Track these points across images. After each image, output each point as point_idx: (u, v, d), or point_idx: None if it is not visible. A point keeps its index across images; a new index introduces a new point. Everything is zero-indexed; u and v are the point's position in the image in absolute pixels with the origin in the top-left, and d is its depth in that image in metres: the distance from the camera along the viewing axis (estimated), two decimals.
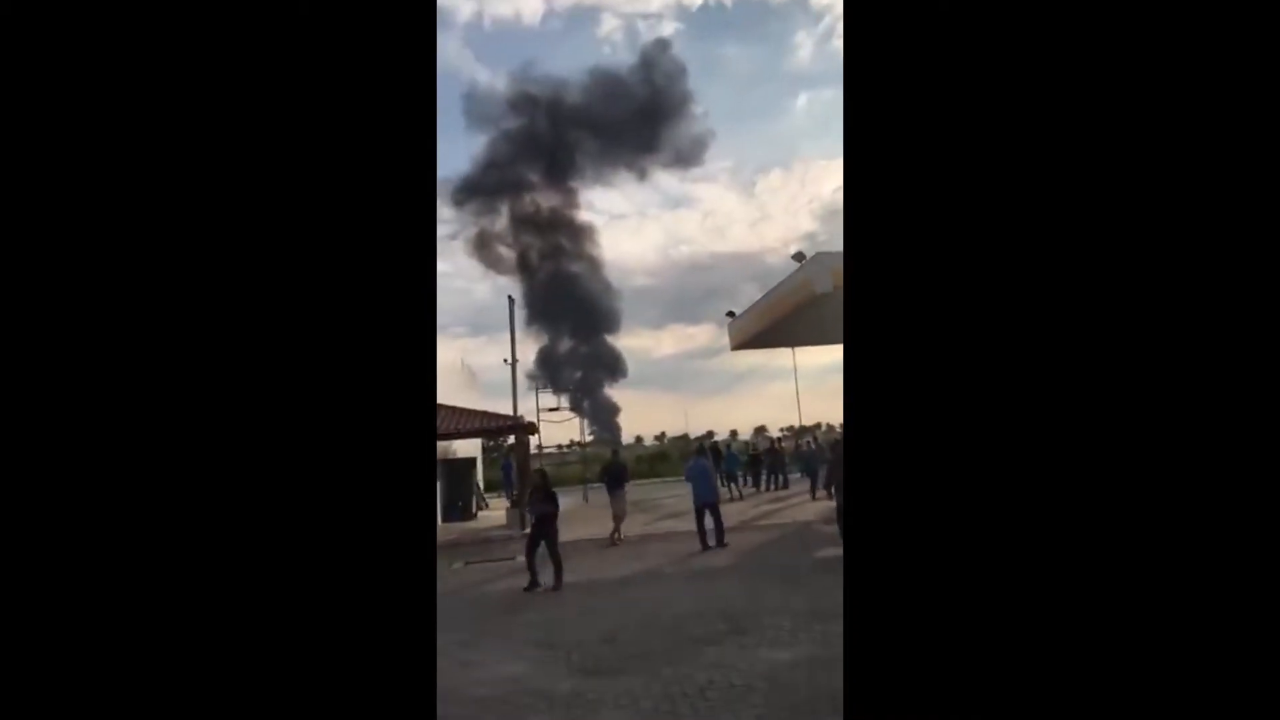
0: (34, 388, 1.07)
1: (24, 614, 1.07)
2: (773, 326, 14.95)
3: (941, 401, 1.14)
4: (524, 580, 8.11)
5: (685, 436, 20.12)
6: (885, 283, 1.16)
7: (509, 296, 16.00)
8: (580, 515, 16.13)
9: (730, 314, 17.75)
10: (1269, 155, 1.03)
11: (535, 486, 8.30)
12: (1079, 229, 1.11)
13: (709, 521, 9.93)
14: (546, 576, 7.85)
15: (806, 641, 5.09)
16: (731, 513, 12.18)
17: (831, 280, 12.05)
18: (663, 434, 61.27)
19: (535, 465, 20.04)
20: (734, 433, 27.02)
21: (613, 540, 11.03)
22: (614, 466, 12.52)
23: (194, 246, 1.12)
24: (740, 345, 17.71)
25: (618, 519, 11.40)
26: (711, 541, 9.71)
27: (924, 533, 1.14)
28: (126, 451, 1.10)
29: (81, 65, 1.07)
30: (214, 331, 1.13)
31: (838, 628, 5.42)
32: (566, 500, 19.49)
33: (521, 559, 10.62)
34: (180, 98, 1.09)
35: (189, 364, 1.11)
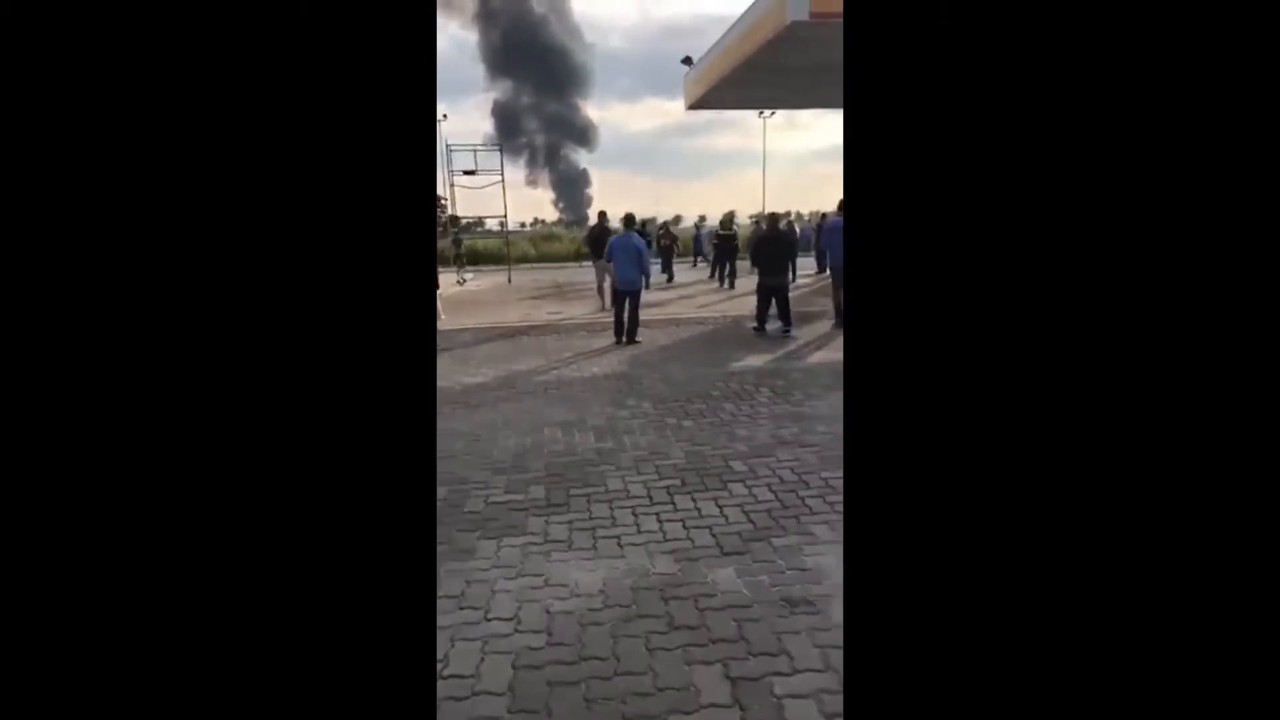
0: (25, 372, 1.08)
1: (11, 602, 1.08)
2: (734, 77, 11.68)
3: (946, 397, 1.15)
4: None
5: (653, 220, 17.79)
6: (887, 280, 1.17)
7: None
8: (476, 299, 13.96)
9: (687, 60, 14.21)
10: (1269, 155, 1.06)
11: None
12: (1092, 218, 1.11)
13: (625, 312, 8.28)
14: None
15: (642, 544, 2.95)
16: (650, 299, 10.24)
17: (809, 5, 8.81)
18: (629, 216, 57.52)
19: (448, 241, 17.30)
20: (702, 218, 24.43)
21: (603, 308, 10.88)
22: (599, 234, 11.39)
23: (188, 226, 1.13)
24: (697, 103, 14.31)
25: (602, 290, 11.24)
26: (624, 336, 8.23)
27: (930, 523, 1.14)
28: (97, 376, 1.10)
29: (80, 62, 1.09)
30: (207, 310, 1.11)
31: (711, 509, 3.26)
32: (482, 282, 17.08)
33: None
34: (177, 62, 1.11)
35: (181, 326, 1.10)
